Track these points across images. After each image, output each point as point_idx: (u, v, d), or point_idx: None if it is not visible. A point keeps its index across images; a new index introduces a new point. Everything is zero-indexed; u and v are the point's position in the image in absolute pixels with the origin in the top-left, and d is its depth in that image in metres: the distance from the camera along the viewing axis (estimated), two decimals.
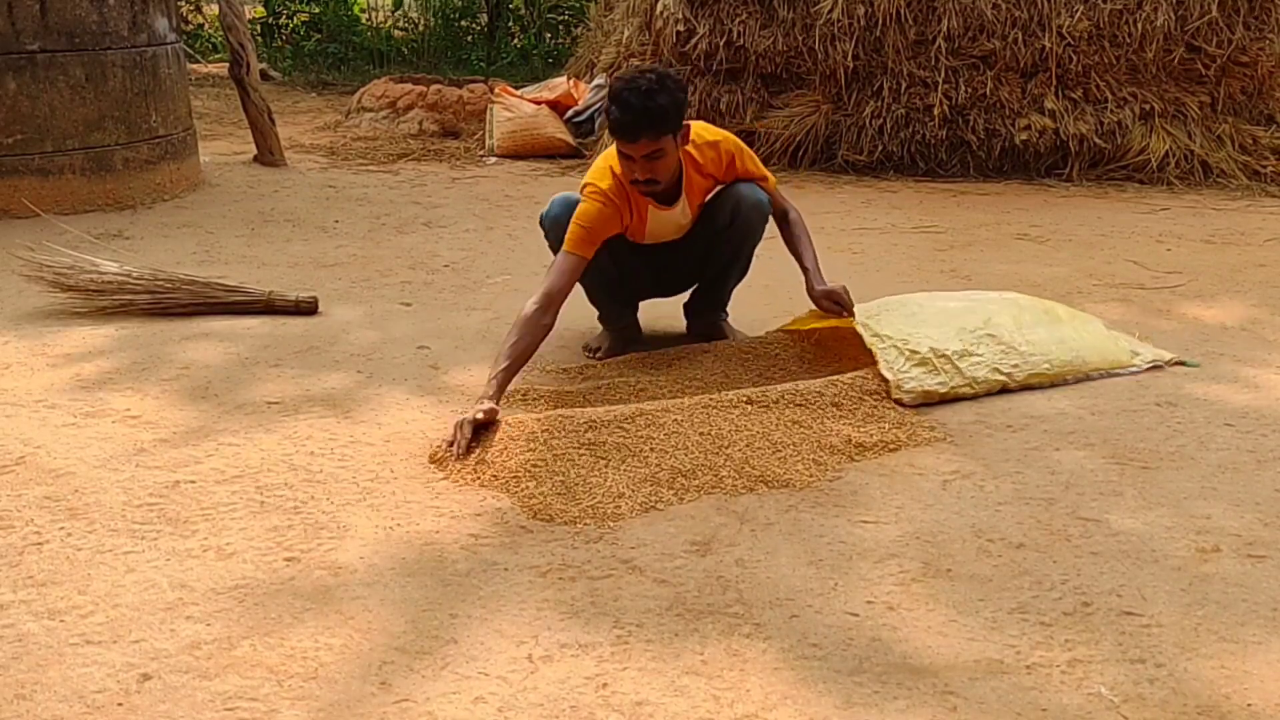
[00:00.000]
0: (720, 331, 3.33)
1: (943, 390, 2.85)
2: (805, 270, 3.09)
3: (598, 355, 3.25)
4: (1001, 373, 2.92)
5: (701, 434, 2.57)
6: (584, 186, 3.00)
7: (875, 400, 2.81)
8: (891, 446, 2.60)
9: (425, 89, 7.89)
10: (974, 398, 2.88)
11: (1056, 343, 3.02)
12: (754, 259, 3.30)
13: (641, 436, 2.55)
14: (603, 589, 2.01)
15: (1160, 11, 5.95)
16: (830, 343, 3.16)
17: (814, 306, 3.11)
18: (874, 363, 2.88)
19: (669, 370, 3.08)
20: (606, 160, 2.99)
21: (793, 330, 3.22)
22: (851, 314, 3.00)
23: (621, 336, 3.30)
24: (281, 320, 3.57)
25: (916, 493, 2.38)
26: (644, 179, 2.86)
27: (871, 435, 2.64)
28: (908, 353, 2.87)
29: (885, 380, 2.83)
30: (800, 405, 2.76)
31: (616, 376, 3.04)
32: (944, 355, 2.88)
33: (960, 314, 3.05)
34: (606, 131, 6.65)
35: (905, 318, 2.99)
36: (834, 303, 3.01)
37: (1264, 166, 6.07)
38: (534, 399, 2.88)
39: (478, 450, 2.50)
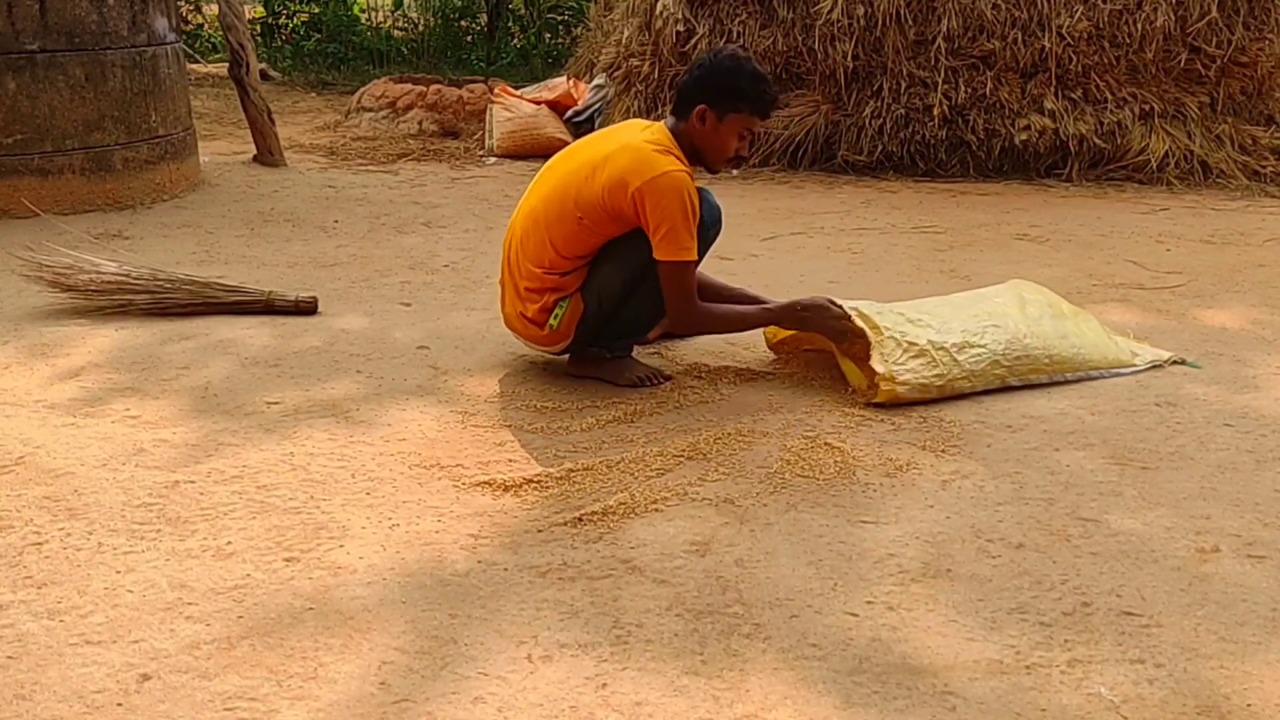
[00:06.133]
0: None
1: (939, 383, 2.83)
2: (759, 299, 3.10)
3: (655, 381, 3.01)
4: (1003, 364, 2.89)
5: (701, 434, 2.57)
6: (666, 173, 2.75)
7: (875, 402, 2.82)
8: (891, 447, 2.60)
9: (425, 89, 7.89)
10: (972, 394, 2.88)
11: (1059, 337, 3.01)
12: (753, 257, 3.31)
13: (645, 437, 2.54)
14: (603, 589, 2.01)
15: (1160, 12, 5.95)
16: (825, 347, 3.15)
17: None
18: (867, 358, 2.85)
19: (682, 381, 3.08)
20: (664, 146, 2.81)
21: (787, 342, 3.19)
22: (847, 315, 2.92)
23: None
24: (281, 320, 3.57)
25: (916, 493, 2.38)
26: (746, 153, 2.96)
27: (871, 437, 2.64)
28: (905, 344, 2.84)
29: (876, 372, 2.80)
30: (804, 408, 2.76)
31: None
32: (943, 348, 2.86)
33: (966, 305, 3.04)
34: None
35: (905, 314, 2.97)
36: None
37: (1264, 166, 6.07)
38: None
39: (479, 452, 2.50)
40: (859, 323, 2.88)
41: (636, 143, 2.84)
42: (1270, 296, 3.91)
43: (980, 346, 2.89)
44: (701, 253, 2.92)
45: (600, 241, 2.87)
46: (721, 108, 2.84)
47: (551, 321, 2.94)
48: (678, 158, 2.83)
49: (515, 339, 3.13)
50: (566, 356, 3.10)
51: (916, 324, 2.91)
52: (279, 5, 11.65)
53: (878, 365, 2.80)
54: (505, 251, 3.04)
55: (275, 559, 2.10)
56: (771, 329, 3.17)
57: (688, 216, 2.78)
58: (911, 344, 2.84)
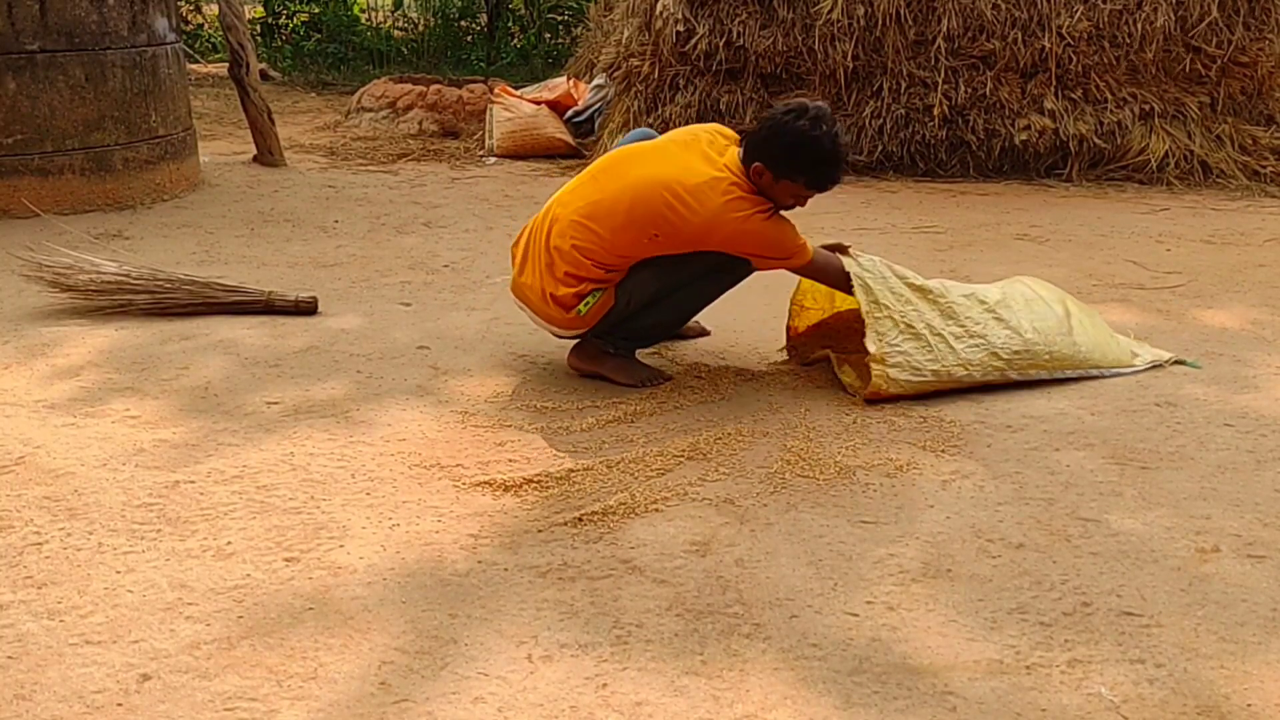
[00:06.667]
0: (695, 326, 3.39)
1: (934, 367, 2.81)
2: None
3: (656, 382, 3.02)
4: (1002, 358, 2.88)
5: (701, 434, 2.57)
6: (749, 216, 2.81)
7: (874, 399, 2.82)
8: (891, 447, 2.60)
9: (425, 89, 7.88)
10: (972, 393, 2.87)
11: (1061, 334, 3.00)
12: None
13: (645, 437, 2.54)
14: (603, 589, 2.01)
15: (1160, 12, 5.95)
16: (828, 332, 3.16)
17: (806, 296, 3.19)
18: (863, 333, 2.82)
19: (684, 381, 3.08)
20: (731, 179, 2.83)
21: (806, 335, 3.20)
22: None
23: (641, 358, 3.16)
24: (281, 320, 3.57)
25: (916, 493, 2.38)
26: (803, 205, 2.95)
27: (871, 437, 2.64)
28: (903, 325, 2.82)
29: (869, 352, 2.78)
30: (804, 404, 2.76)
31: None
32: (940, 335, 2.85)
33: (970, 295, 3.03)
34: (610, 135, 6.70)
35: (912, 280, 2.91)
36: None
37: (1264, 166, 6.07)
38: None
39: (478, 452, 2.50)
40: (858, 294, 2.84)
41: (724, 184, 2.81)
42: (1270, 296, 3.91)
43: (979, 337, 2.88)
44: (744, 275, 3.02)
45: (659, 254, 2.88)
46: (777, 172, 2.81)
47: (580, 308, 2.93)
48: (750, 191, 2.84)
49: (521, 310, 3.09)
50: (565, 354, 3.12)
51: (923, 296, 2.88)
52: (279, 5, 11.65)
53: (871, 345, 2.79)
54: (541, 225, 2.99)
55: (275, 559, 2.10)
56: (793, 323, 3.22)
57: (780, 236, 2.86)
58: (909, 326, 2.82)
